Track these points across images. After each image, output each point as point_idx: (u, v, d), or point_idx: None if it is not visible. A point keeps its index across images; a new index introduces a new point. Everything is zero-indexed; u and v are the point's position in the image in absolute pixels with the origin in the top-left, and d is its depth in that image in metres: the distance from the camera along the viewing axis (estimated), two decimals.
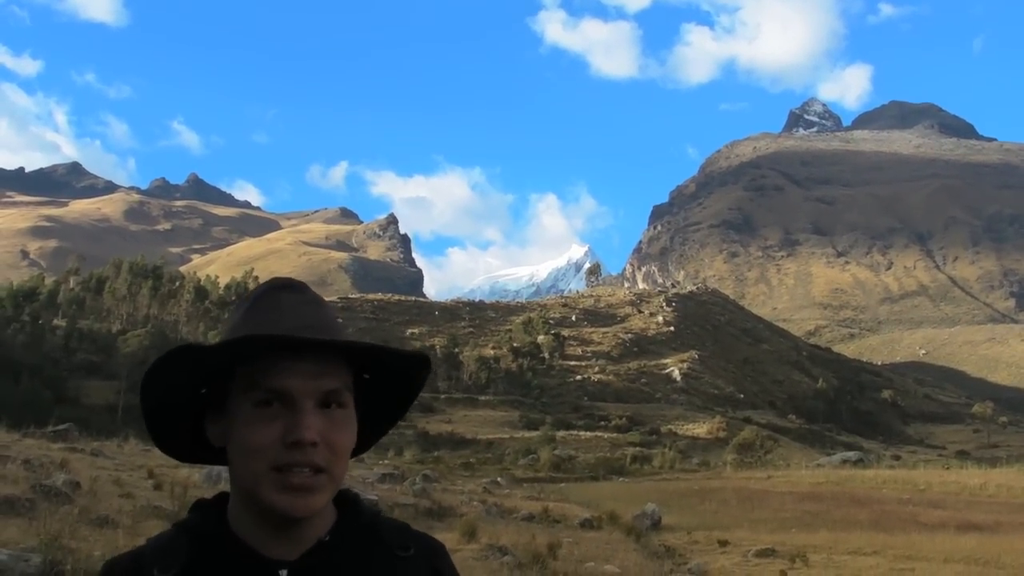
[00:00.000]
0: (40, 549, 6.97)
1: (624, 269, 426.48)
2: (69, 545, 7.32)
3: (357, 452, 1.36)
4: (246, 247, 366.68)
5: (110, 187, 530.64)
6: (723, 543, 15.76)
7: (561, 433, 61.01)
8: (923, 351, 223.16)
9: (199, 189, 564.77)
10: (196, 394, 1.32)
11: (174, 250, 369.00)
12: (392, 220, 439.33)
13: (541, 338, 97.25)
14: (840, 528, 18.58)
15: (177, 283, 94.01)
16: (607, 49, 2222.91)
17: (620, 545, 14.83)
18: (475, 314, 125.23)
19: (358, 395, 1.34)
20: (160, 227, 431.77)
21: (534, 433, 60.08)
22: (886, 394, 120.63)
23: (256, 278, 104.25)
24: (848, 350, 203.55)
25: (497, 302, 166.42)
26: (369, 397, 1.37)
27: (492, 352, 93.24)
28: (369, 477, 22.28)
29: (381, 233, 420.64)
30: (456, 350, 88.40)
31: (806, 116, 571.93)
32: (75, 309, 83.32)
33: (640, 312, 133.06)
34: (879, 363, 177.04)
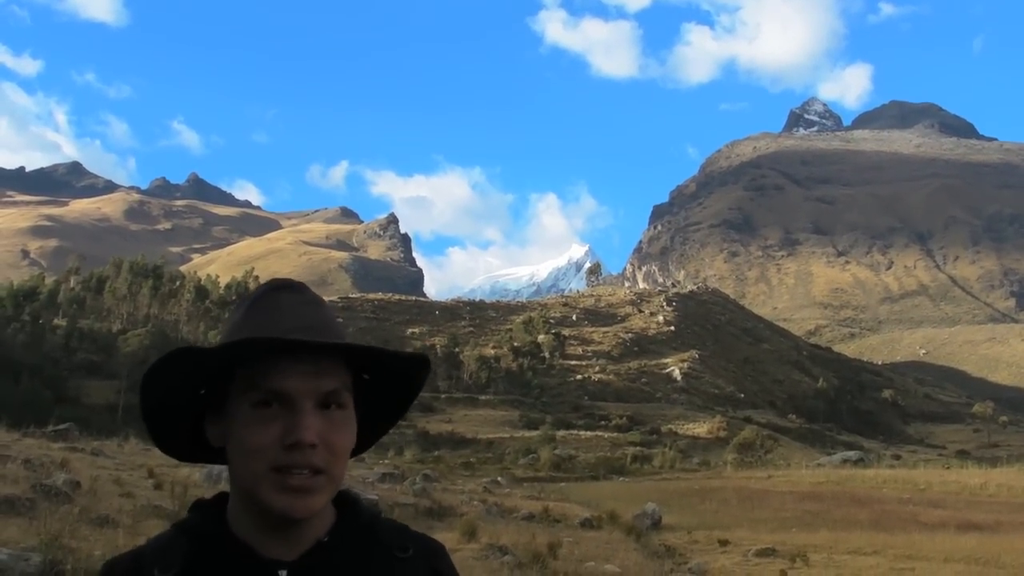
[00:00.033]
0: (40, 549, 6.97)
1: (624, 269, 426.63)
2: (69, 545, 7.32)
3: (357, 452, 1.36)
4: (246, 247, 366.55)
5: (110, 187, 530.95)
6: (723, 543, 15.76)
7: (561, 433, 61.04)
8: (923, 351, 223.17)
9: (199, 189, 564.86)
10: (195, 395, 1.32)
11: (174, 250, 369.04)
12: (392, 220, 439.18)
13: (541, 338, 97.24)
14: (840, 528, 18.58)
15: (177, 283, 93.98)
16: (607, 49, 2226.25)
17: (620, 545, 14.82)
18: (475, 314, 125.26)
19: (358, 395, 1.34)
20: (160, 227, 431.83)
21: (534, 433, 60.12)
22: (886, 394, 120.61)
23: (256, 278, 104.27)
24: (848, 350, 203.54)
25: (497, 302, 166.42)
26: (369, 397, 1.37)
27: (492, 352, 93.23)
28: (369, 477, 22.28)
29: (381, 233, 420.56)
30: (456, 350, 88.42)
31: (806, 116, 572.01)
32: (75, 309, 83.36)
33: (640, 312, 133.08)
34: (879, 363, 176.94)
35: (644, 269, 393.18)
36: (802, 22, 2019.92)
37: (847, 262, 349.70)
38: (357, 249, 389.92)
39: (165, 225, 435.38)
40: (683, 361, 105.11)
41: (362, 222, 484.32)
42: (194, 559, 1.28)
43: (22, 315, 67.86)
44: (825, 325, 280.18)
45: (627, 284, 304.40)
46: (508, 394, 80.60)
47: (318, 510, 1.27)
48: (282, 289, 1.34)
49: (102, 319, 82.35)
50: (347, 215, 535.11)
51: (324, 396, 1.27)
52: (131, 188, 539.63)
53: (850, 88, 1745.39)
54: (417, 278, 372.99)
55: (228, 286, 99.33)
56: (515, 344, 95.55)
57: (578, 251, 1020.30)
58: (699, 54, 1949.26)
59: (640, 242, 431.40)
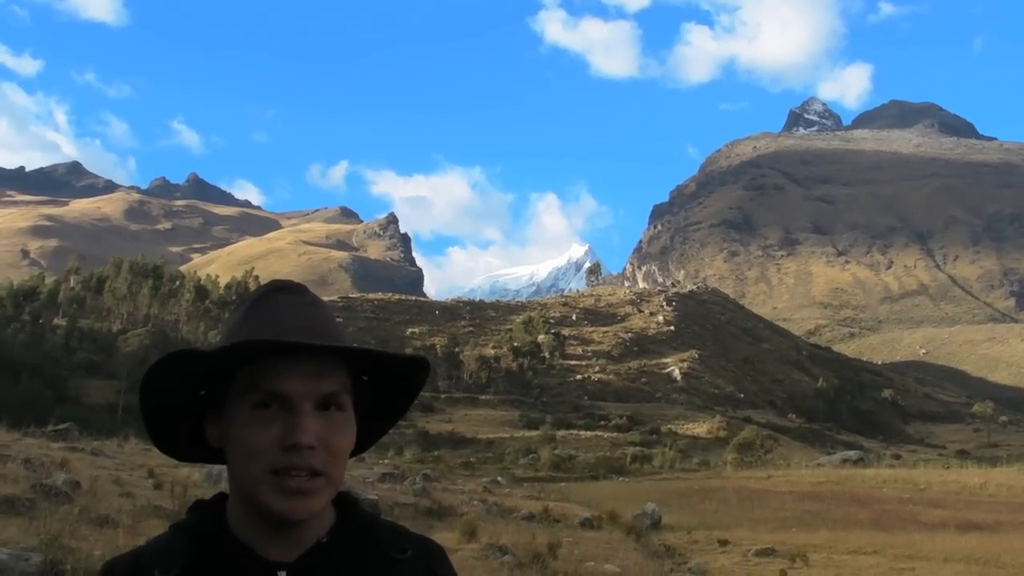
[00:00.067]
0: (40, 548, 6.97)
1: (624, 268, 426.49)
2: (69, 545, 7.32)
3: (357, 452, 1.37)
4: (246, 246, 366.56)
5: (110, 186, 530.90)
6: (723, 542, 15.76)
7: (561, 432, 61.06)
8: (923, 350, 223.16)
9: (199, 188, 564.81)
10: (195, 396, 1.32)
11: (174, 249, 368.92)
12: (392, 219, 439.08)
13: (541, 337, 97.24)
14: (840, 527, 18.58)
15: (177, 282, 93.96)
16: (607, 48, 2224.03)
17: (620, 544, 14.83)
18: (475, 313, 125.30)
19: (357, 396, 1.34)
20: (160, 226, 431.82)
21: (534, 432, 60.13)
22: (886, 393, 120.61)
23: (256, 277, 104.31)
24: (848, 349, 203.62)
25: (497, 301, 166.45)
26: (368, 399, 1.37)
27: (492, 351, 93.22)
28: (369, 476, 22.27)
29: (381, 232, 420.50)
30: (456, 349, 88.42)
31: (806, 115, 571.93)
32: (75, 308, 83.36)
33: (640, 311, 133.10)
34: (879, 362, 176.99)
35: (644, 269, 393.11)
36: (802, 22, 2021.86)
37: (847, 262, 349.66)
38: (357, 249, 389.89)
39: (165, 225, 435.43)
40: (683, 361, 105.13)
41: (362, 222, 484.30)
42: (194, 560, 1.28)
43: (22, 315, 67.87)
44: (825, 325, 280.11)
45: (627, 284, 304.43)
46: (508, 394, 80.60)
47: (317, 512, 1.28)
48: (282, 290, 1.34)
49: (102, 319, 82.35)
50: (347, 215, 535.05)
51: (324, 398, 1.27)
52: (131, 188, 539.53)
53: (850, 88, 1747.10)
54: (417, 278, 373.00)
55: (228, 286, 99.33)
56: (515, 344, 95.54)
57: (578, 251, 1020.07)
58: (699, 54, 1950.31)
59: (640, 242, 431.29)
